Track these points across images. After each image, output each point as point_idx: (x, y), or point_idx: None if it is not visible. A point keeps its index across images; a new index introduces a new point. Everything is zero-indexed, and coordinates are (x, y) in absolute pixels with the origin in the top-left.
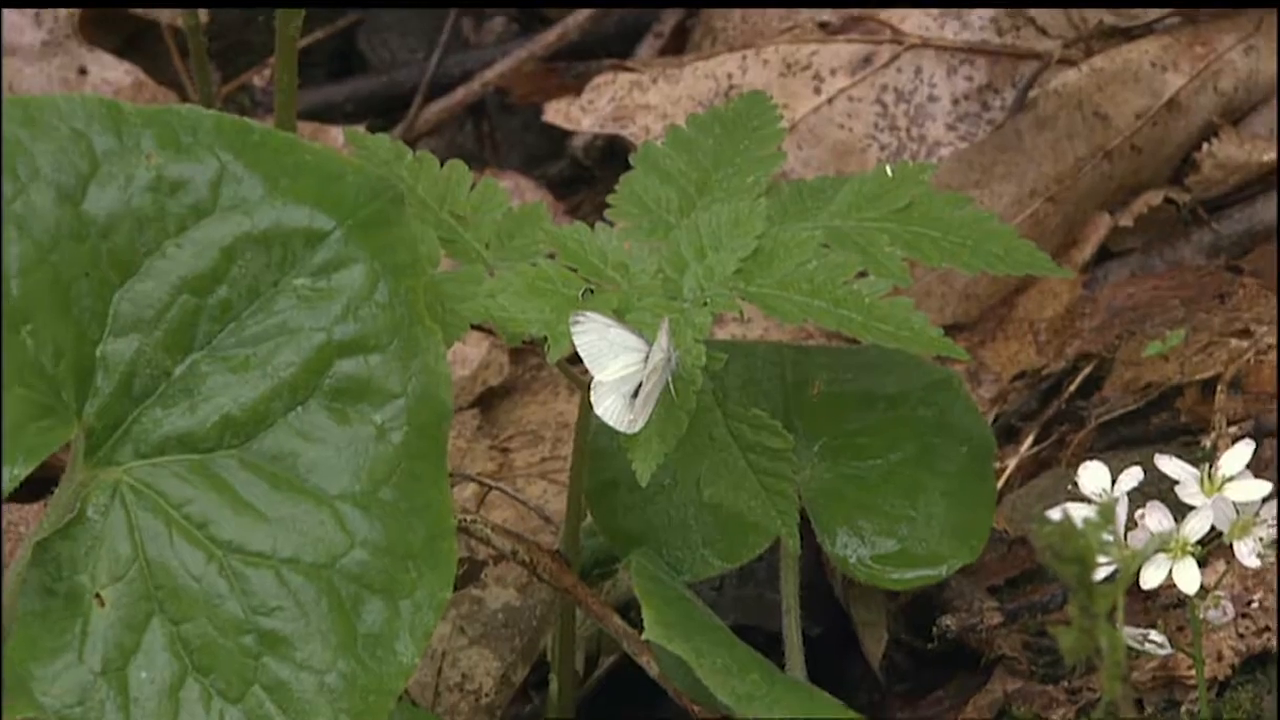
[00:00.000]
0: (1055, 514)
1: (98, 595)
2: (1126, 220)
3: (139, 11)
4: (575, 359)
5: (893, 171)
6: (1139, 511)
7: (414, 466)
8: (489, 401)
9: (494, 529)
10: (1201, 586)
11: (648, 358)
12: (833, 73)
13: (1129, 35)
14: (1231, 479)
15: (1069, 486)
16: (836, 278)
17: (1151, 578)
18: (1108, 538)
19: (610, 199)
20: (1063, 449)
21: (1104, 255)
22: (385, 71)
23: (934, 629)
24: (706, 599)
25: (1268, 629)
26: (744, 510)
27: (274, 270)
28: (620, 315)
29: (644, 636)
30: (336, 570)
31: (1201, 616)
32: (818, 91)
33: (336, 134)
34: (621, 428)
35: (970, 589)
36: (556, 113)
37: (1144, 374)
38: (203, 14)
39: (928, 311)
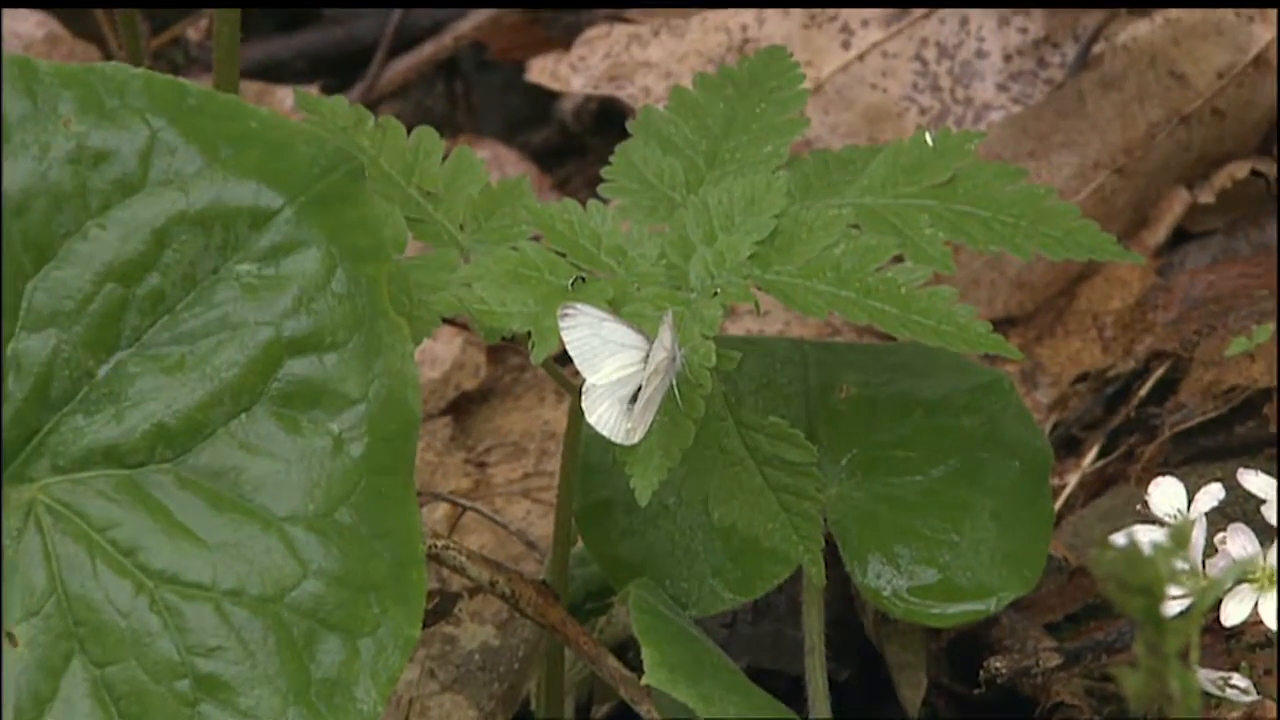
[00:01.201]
0: (1120, 538)
1: (9, 634)
2: (1207, 196)
3: None
4: (564, 359)
5: (934, 140)
6: (1219, 535)
7: (376, 483)
8: (464, 408)
9: (469, 556)
10: None
11: (648, 357)
12: (864, 24)
13: None
14: None
15: (1138, 506)
16: (868, 264)
17: (1233, 612)
18: (1182, 565)
19: (604, 172)
20: (1131, 463)
21: (1181, 237)
22: (342, 23)
23: (981, 672)
24: (716, 638)
25: None
26: (760, 535)
27: (213, 255)
28: (616, 308)
29: (644, 681)
30: (286, 604)
31: None
32: (847, 46)
33: (285, 96)
34: (617, 439)
35: (1024, 626)
36: (542, 71)
37: (1226, 376)
38: None
39: (974, 303)
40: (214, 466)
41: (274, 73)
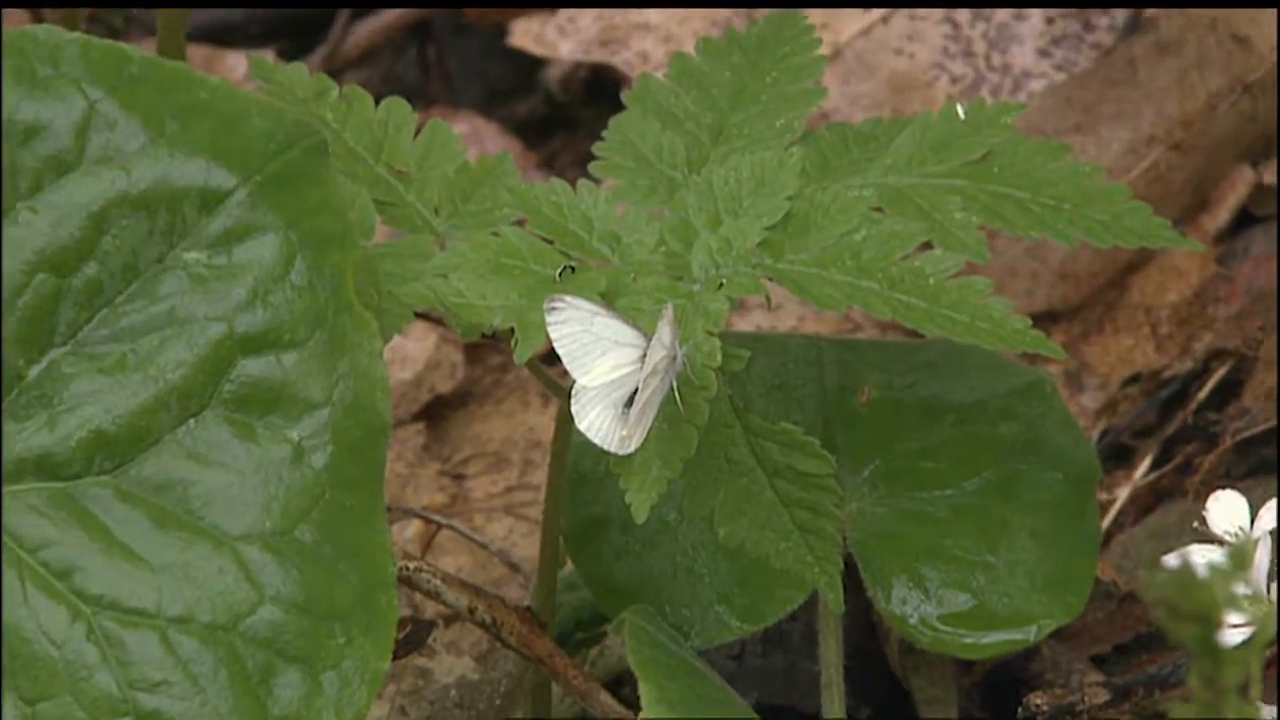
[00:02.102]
0: (1174, 558)
1: None
2: (1272, 175)
3: None
4: (551, 358)
5: (966, 112)
6: None
7: (341, 497)
8: (438, 413)
9: (445, 579)
10: None
11: (645, 356)
12: None
13: None
14: None
15: (1195, 523)
16: (892, 251)
17: None
18: (1242, 589)
19: (596, 148)
20: (1188, 475)
21: (1244, 221)
22: None
23: (1019, 709)
24: (722, 671)
25: None
26: (771, 555)
27: (158, 242)
28: (610, 300)
29: (641, 718)
30: (240, 633)
31: None
32: (869, 7)
33: (238, 63)
34: (611, 447)
35: (1067, 658)
36: (525, 35)
37: None
38: None
39: (1012, 296)
40: (159, 479)
41: (225, 37)
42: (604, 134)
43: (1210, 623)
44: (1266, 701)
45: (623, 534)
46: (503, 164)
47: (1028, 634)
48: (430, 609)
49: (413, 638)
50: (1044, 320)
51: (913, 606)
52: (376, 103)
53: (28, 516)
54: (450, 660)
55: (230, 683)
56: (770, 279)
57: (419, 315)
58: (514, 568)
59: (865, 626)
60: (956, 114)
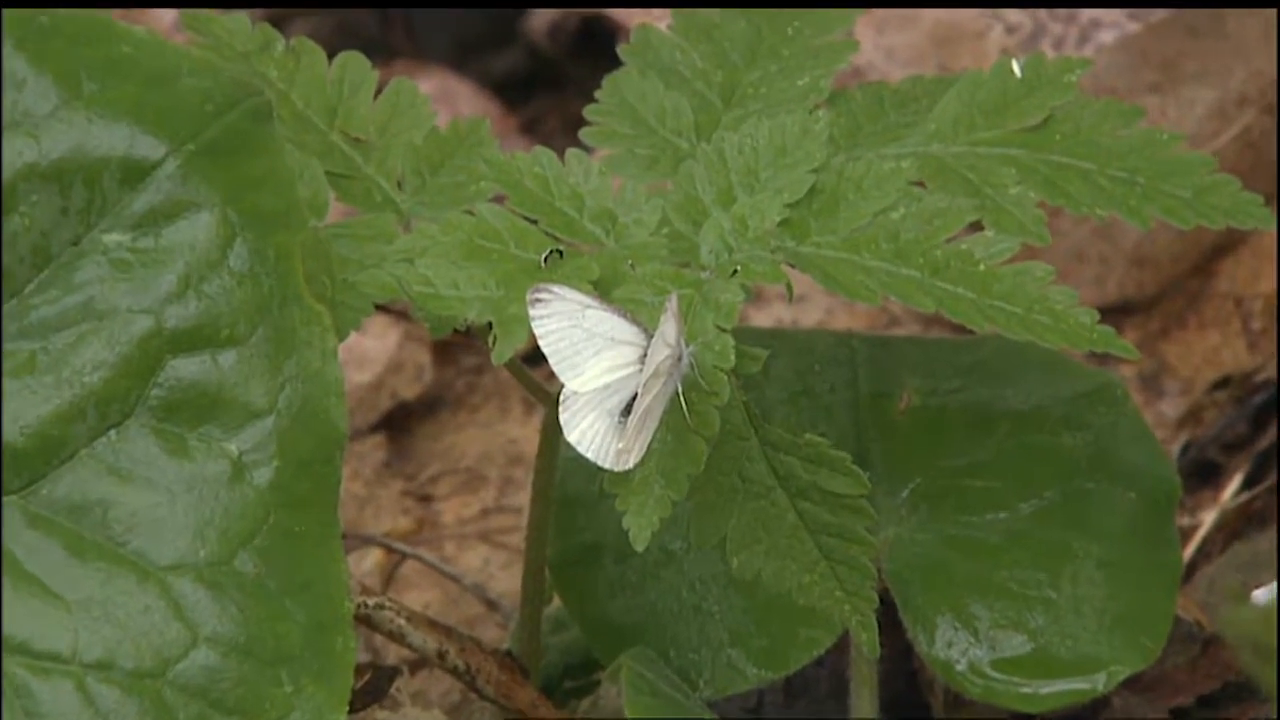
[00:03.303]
0: (1263, 593)
1: None
2: None
3: None
4: (536, 358)
5: (1023, 68)
6: None
7: (289, 522)
8: (402, 423)
9: (411, 619)
10: None
11: (646, 356)
12: None
13: None
14: None
15: None
16: (936, 233)
17: None
18: None
19: (588, 111)
20: None
21: None
22: None
23: None
24: None
25: None
26: (794, 590)
27: (73, 221)
28: (604, 291)
29: None
30: (170, 681)
31: None
32: None
33: (166, 12)
34: (606, 463)
35: (1142, 710)
36: None
37: None
38: None
39: (1078, 284)
40: (75, 499)
41: None
42: (597, 94)
43: None
44: None
45: (619, 565)
46: (478, 130)
47: (1095, 683)
48: (393, 653)
49: (373, 686)
50: (1115, 314)
51: (960, 650)
52: (330, 58)
53: None
54: (416, 713)
55: None
56: (792, 265)
57: (379, 308)
58: (491, 605)
59: (904, 674)
60: (1012, 71)
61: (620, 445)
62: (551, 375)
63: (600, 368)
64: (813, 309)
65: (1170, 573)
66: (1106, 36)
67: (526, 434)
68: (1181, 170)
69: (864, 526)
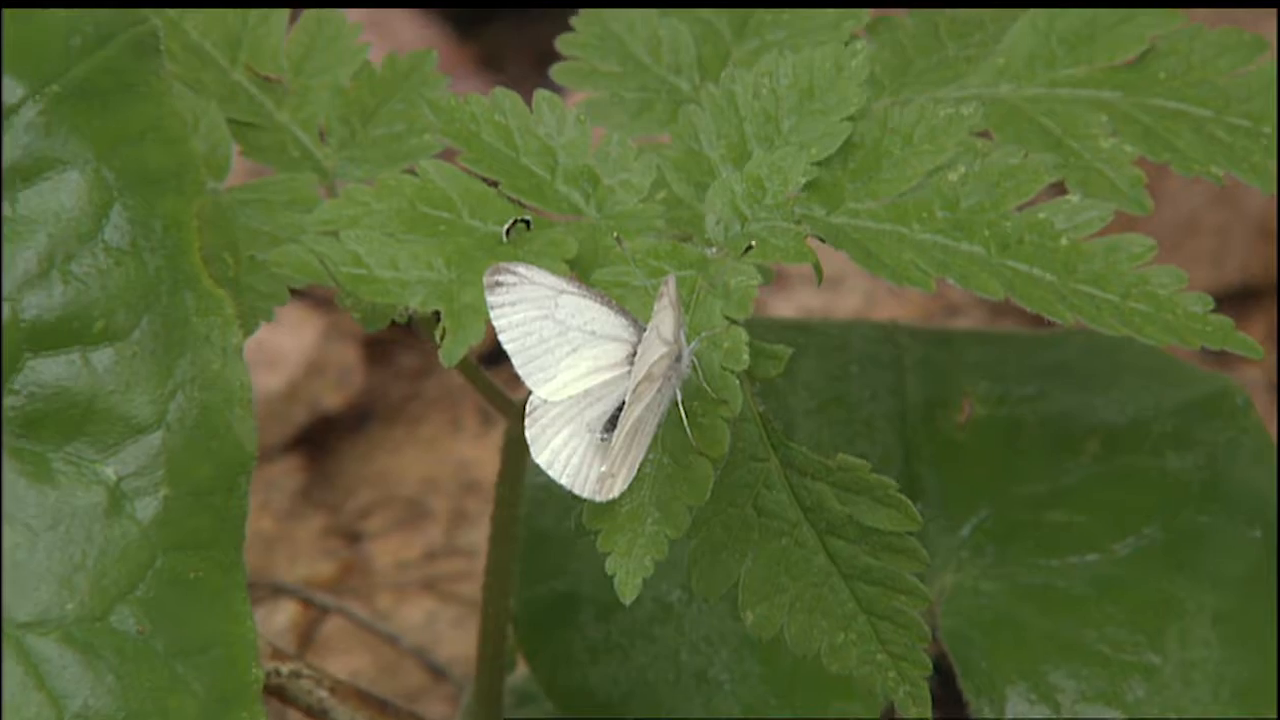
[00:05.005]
0: None
1: None
2: None
3: None
4: (496, 357)
5: None
6: None
7: (181, 567)
8: (324, 440)
9: (335, 689)
10: None
11: (636, 355)
12: None
13: None
14: None
15: None
16: (1005, 199)
17: None
18: None
19: (561, 43)
20: None
21: None
22: None
23: None
24: None
25: None
26: (824, 652)
27: None
28: (583, 272)
29: None
30: None
31: None
32: None
33: None
34: (585, 492)
35: None
36: None
37: None
38: None
39: (1188, 263)
40: None
41: None
42: (572, 23)
43: None
44: None
45: (602, 621)
46: (421, 66)
47: None
48: None
49: None
50: (1235, 301)
51: None
52: None
53: None
54: None
55: None
56: (822, 239)
57: (295, 294)
58: (437, 673)
59: None
60: None
61: (603, 469)
62: (516, 379)
63: (577, 370)
64: (849, 295)
65: None
66: None
67: (482, 455)
68: None
69: (913, 572)
